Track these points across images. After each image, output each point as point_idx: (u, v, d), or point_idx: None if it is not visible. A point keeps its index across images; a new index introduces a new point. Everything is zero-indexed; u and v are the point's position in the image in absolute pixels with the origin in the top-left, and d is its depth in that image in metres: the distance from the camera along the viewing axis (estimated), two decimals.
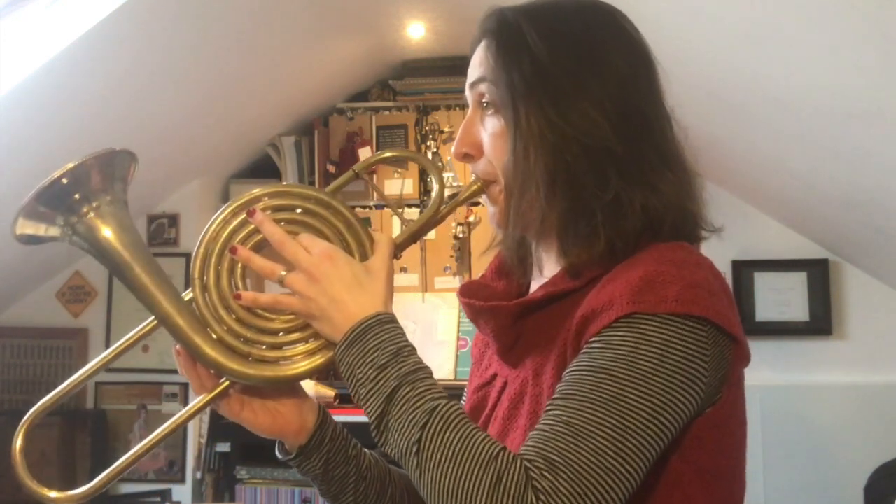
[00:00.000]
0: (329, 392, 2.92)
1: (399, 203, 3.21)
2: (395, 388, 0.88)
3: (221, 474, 3.20)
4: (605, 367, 0.84)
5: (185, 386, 3.20)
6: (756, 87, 2.19)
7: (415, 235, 1.05)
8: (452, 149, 1.06)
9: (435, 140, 3.27)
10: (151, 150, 2.84)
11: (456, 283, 3.15)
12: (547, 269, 1.04)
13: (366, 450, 1.13)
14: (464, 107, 1.07)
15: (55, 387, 1.00)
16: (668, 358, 0.84)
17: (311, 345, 0.97)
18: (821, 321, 3.07)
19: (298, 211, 1.00)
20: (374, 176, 3.24)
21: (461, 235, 3.19)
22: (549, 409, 0.85)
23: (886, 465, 2.70)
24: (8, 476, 0.95)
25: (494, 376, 1.07)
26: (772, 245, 3.13)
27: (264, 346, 0.97)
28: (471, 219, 3.20)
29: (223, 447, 3.16)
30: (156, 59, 2.47)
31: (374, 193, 3.22)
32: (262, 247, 0.99)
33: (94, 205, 0.96)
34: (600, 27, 1.00)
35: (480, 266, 2.89)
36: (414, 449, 0.84)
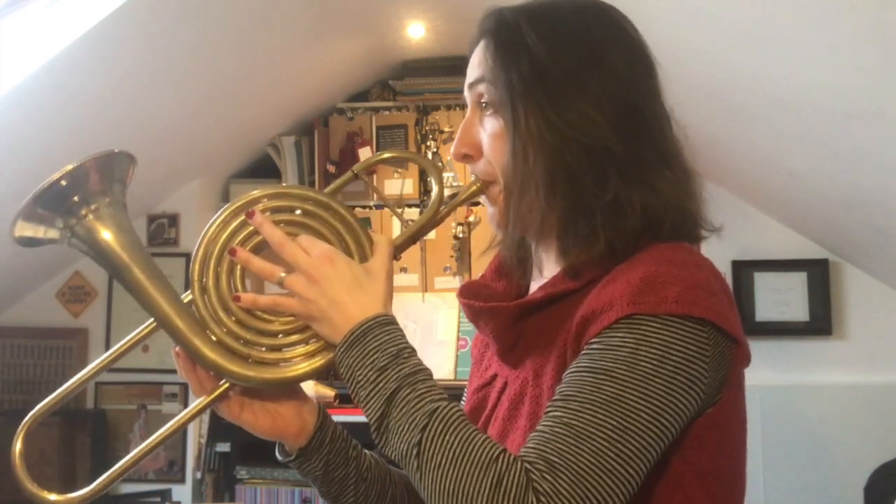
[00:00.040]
0: (329, 392, 2.92)
1: (399, 203, 3.21)
2: (395, 389, 0.88)
3: (221, 474, 3.20)
4: (606, 368, 0.84)
5: (185, 386, 3.19)
6: (756, 87, 2.19)
7: (414, 237, 1.05)
8: (452, 149, 1.05)
9: (435, 140, 3.27)
10: (151, 150, 2.84)
11: (456, 283, 3.15)
12: (547, 269, 1.04)
13: (366, 451, 1.13)
14: (464, 107, 1.07)
15: (55, 387, 1.00)
16: (668, 359, 0.84)
17: (311, 346, 0.97)
18: (821, 321, 3.07)
19: (298, 212, 1.00)
20: (374, 176, 3.24)
21: (461, 235, 3.19)
22: (550, 411, 0.85)
23: (886, 465, 2.70)
24: (8, 475, 0.94)
25: (494, 377, 1.07)
26: (772, 245, 3.13)
27: (264, 348, 0.97)
28: (471, 219, 3.20)
29: (223, 447, 3.16)
30: (156, 59, 2.47)
31: (374, 194, 3.22)
32: (262, 248, 0.99)
33: (93, 207, 0.96)
34: (599, 27, 1.00)
35: (480, 266, 2.89)
36: (414, 451, 0.84)
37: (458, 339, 3.07)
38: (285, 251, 0.96)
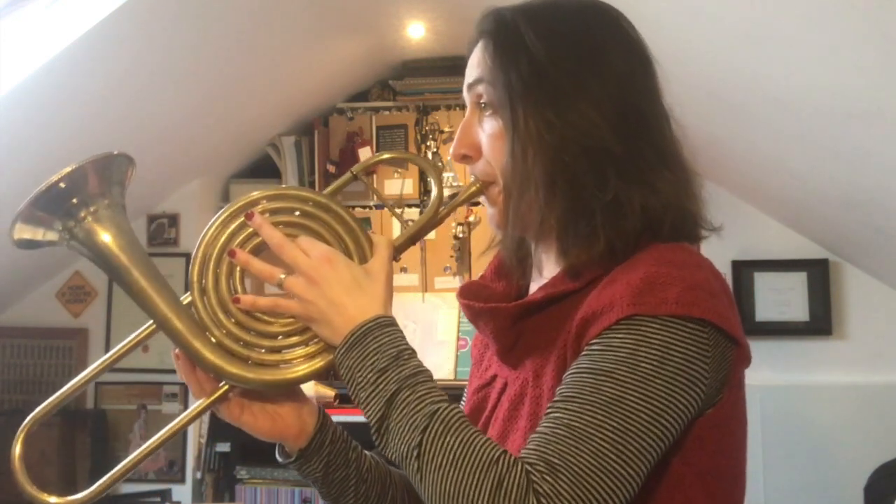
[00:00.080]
0: (329, 392, 2.92)
1: (399, 203, 3.21)
2: (395, 391, 0.87)
3: (221, 474, 3.20)
4: (606, 369, 0.84)
5: (185, 386, 3.17)
6: (756, 87, 2.19)
7: (414, 237, 1.04)
8: (451, 150, 1.05)
9: (435, 140, 3.27)
10: (151, 150, 2.84)
11: (456, 283, 3.15)
12: (546, 269, 1.04)
13: (366, 451, 1.13)
14: (464, 107, 1.07)
15: (55, 387, 1.00)
16: (668, 360, 0.84)
17: (311, 348, 0.97)
18: (821, 321, 3.07)
19: (297, 214, 1.00)
20: (374, 176, 3.24)
21: (461, 235, 3.19)
22: (550, 412, 0.85)
23: (886, 465, 2.70)
24: (8, 476, 0.94)
25: (494, 377, 1.07)
26: (772, 245, 3.13)
27: (263, 350, 0.97)
28: (471, 219, 3.20)
29: (223, 447, 3.16)
30: (156, 59, 2.47)
31: (374, 194, 3.22)
32: (261, 250, 0.99)
33: (92, 209, 0.96)
34: (598, 27, 1.00)
35: (480, 266, 2.89)
36: (415, 453, 0.84)
37: (458, 339, 3.07)
38: (285, 253, 0.96)
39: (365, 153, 3.26)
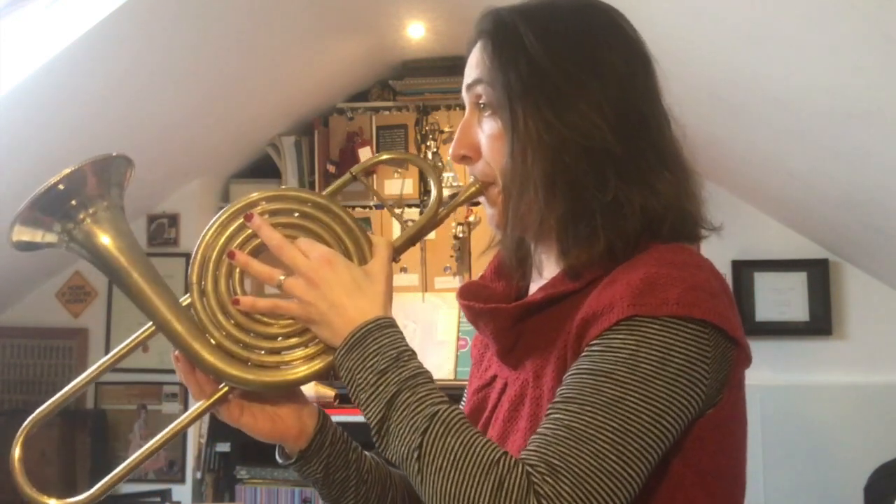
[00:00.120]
0: (329, 392, 2.92)
1: (399, 203, 3.21)
2: (395, 393, 0.87)
3: (221, 474, 3.20)
4: (606, 370, 0.84)
5: (185, 386, 3.19)
6: (756, 87, 2.19)
7: (413, 238, 1.04)
8: (450, 151, 1.05)
9: (435, 140, 3.27)
10: (151, 150, 2.84)
11: (456, 282, 3.15)
12: (546, 270, 1.04)
13: (366, 452, 1.13)
14: (464, 107, 1.07)
15: (55, 386, 1.00)
16: (669, 361, 0.84)
17: (311, 349, 0.96)
18: (821, 321, 3.07)
19: (296, 215, 1.00)
20: (374, 176, 3.24)
21: (461, 235, 3.19)
22: (550, 413, 0.85)
23: (886, 465, 2.70)
24: (8, 476, 0.94)
25: (494, 378, 1.07)
26: (772, 245, 3.13)
27: (263, 351, 0.97)
28: (471, 219, 3.20)
29: (223, 447, 3.16)
30: (156, 59, 2.47)
31: (374, 195, 3.23)
32: (260, 251, 0.99)
33: (91, 211, 0.96)
34: (598, 27, 1.00)
35: (480, 266, 2.89)
36: (415, 454, 0.84)
37: (458, 339, 3.07)
38: (284, 254, 0.95)
39: (365, 153, 3.26)
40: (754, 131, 2.49)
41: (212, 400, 0.99)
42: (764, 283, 3.11)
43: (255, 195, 1.00)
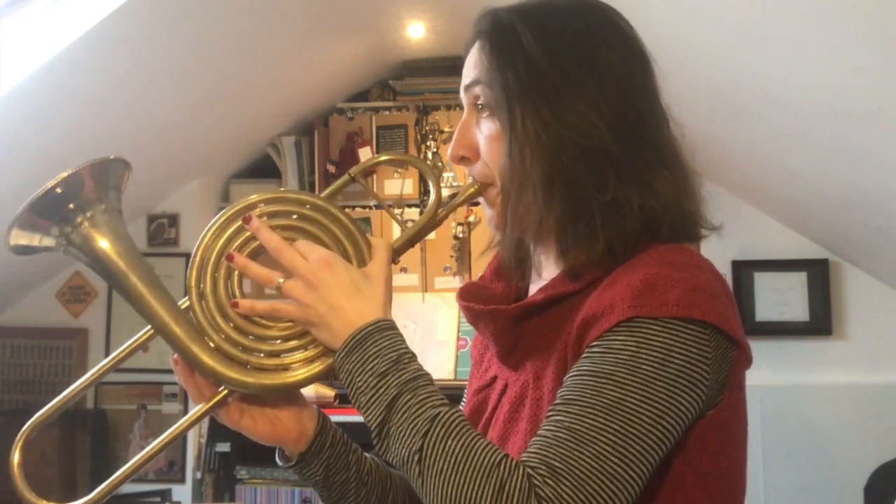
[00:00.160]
0: (329, 392, 2.92)
1: (399, 203, 3.20)
2: (395, 395, 0.87)
3: (221, 474, 3.20)
4: (607, 371, 0.84)
5: None
6: (756, 87, 2.19)
7: (412, 240, 1.04)
8: (448, 152, 1.05)
9: (435, 140, 3.27)
10: (151, 150, 2.84)
11: (456, 283, 3.15)
12: (546, 271, 1.03)
13: (366, 454, 1.12)
14: (464, 107, 1.07)
15: (55, 387, 1.00)
16: (669, 362, 0.84)
17: (310, 352, 0.96)
18: (821, 321, 3.07)
19: (295, 217, 0.99)
20: (374, 176, 3.24)
21: (461, 235, 3.19)
22: (551, 415, 0.85)
23: (886, 465, 2.70)
24: (8, 477, 0.94)
25: (494, 379, 1.06)
26: (772, 245, 3.13)
27: (262, 354, 0.96)
28: (471, 219, 3.20)
29: (223, 447, 3.16)
30: (156, 59, 2.47)
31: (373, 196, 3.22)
32: (259, 253, 0.98)
33: (89, 214, 0.95)
34: (596, 26, 0.99)
35: (480, 266, 2.89)
36: (416, 457, 0.84)
37: (458, 339, 3.07)
38: (283, 256, 0.95)
39: (365, 153, 3.25)
40: (754, 131, 2.49)
41: (211, 403, 0.99)
42: (764, 283, 3.11)
43: (253, 197, 0.99)
